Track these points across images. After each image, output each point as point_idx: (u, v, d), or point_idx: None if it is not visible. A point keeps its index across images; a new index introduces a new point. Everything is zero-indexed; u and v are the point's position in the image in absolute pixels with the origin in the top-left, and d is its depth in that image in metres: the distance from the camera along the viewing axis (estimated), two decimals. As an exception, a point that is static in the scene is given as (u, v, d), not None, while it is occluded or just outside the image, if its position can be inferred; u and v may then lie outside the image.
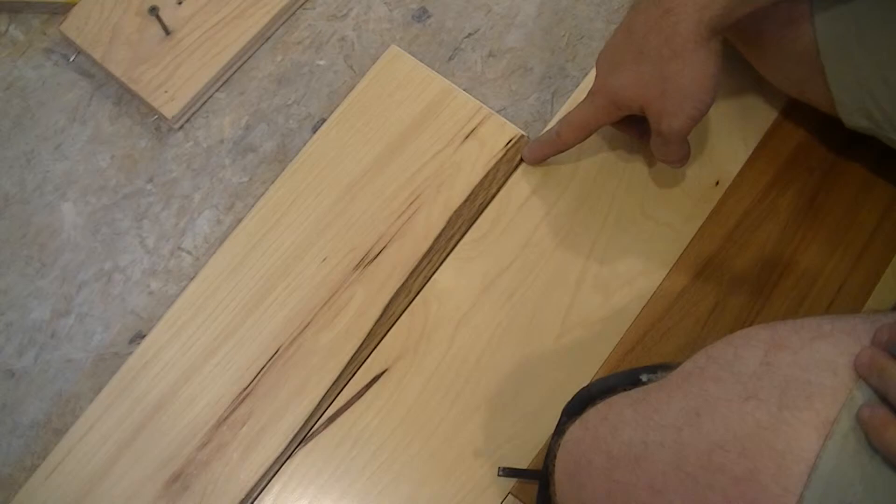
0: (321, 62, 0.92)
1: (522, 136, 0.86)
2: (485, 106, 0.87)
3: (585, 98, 0.78)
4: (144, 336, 0.81)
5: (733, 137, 0.86)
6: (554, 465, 0.63)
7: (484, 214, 0.84)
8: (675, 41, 0.69)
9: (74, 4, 0.91)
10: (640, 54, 0.71)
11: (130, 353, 0.80)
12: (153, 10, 0.87)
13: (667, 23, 0.69)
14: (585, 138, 0.80)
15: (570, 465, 0.62)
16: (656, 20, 0.70)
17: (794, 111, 0.86)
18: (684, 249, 0.83)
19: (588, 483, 0.59)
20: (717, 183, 0.84)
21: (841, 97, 0.74)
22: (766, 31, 0.76)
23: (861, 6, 0.70)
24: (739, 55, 0.82)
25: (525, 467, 0.75)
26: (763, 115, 0.87)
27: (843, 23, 0.71)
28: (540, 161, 0.85)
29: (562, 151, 0.83)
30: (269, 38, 0.93)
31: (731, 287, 0.81)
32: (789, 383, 0.53)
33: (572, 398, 0.70)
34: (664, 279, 0.82)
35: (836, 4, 0.71)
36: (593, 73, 0.82)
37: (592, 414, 0.62)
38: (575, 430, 0.63)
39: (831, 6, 0.71)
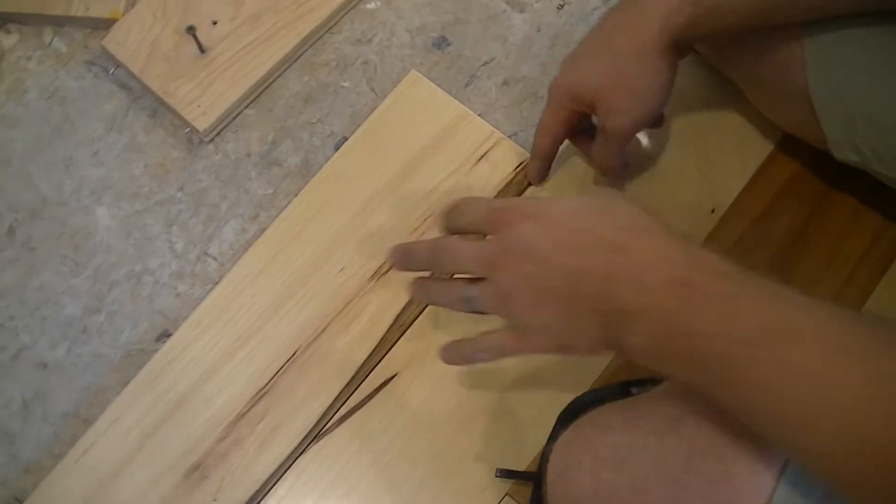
0: (345, 84, 0.97)
1: (532, 160, 0.90)
2: (497, 130, 0.91)
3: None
4: (170, 335, 0.85)
5: (730, 168, 0.90)
6: (547, 467, 0.67)
7: (493, 233, 0.88)
8: (638, 41, 0.73)
9: (116, 20, 0.96)
10: (605, 49, 0.76)
11: (156, 350, 0.85)
12: (190, 29, 0.92)
13: (636, 22, 0.73)
14: (556, 142, 0.84)
15: (561, 465, 0.64)
16: (628, 18, 0.74)
17: (788, 144, 0.89)
18: (681, 272, 0.87)
19: (577, 481, 0.62)
20: (713, 211, 0.88)
21: (831, 134, 0.77)
22: (762, 72, 0.80)
23: (848, 52, 0.74)
24: (739, 91, 0.87)
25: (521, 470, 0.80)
26: (759, 148, 0.91)
27: (832, 67, 0.74)
28: (539, 177, 0.88)
29: (545, 160, 0.86)
30: (297, 59, 0.97)
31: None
32: None
33: (566, 407, 0.75)
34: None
35: (827, 51, 0.75)
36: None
37: (584, 420, 0.66)
38: (567, 434, 0.66)
39: (822, 53, 0.75)
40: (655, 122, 0.87)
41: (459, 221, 0.64)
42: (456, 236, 0.65)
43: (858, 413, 0.45)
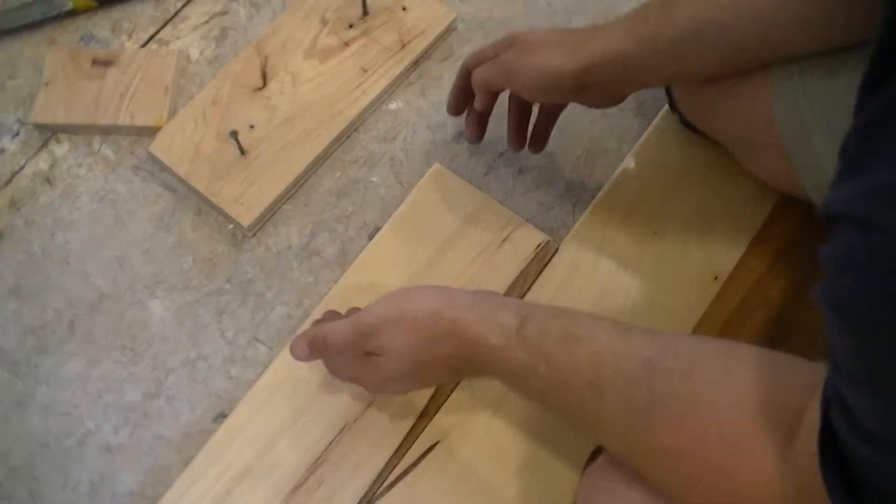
0: (374, 178, 1.05)
1: (549, 241, 0.98)
2: (516, 215, 1.00)
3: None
4: (226, 415, 0.92)
5: (729, 237, 0.99)
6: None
7: (519, 308, 0.97)
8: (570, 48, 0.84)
9: (160, 128, 1.04)
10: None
11: (214, 430, 0.91)
12: (233, 134, 0.99)
13: (590, 32, 0.84)
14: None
15: (587, 487, 0.75)
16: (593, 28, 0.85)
17: (782, 210, 0.98)
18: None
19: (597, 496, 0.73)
20: (716, 278, 0.97)
21: (810, 185, 0.83)
22: (749, 135, 0.88)
23: (816, 112, 0.79)
24: (732, 160, 0.94)
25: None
26: (755, 215, 1.00)
27: (802, 120, 0.80)
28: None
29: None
30: (329, 157, 1.06)
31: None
32: None
33: (591, 455, 0.84)
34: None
35: (796, 114, 0.81)
36: (610, 184, 1.00)
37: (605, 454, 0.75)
38: (593, 464, 0.76)
39: (792, 120, 0.81)
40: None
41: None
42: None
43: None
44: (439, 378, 0.83)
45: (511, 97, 0.96)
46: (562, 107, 0.97)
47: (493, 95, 0.93)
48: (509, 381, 0.75)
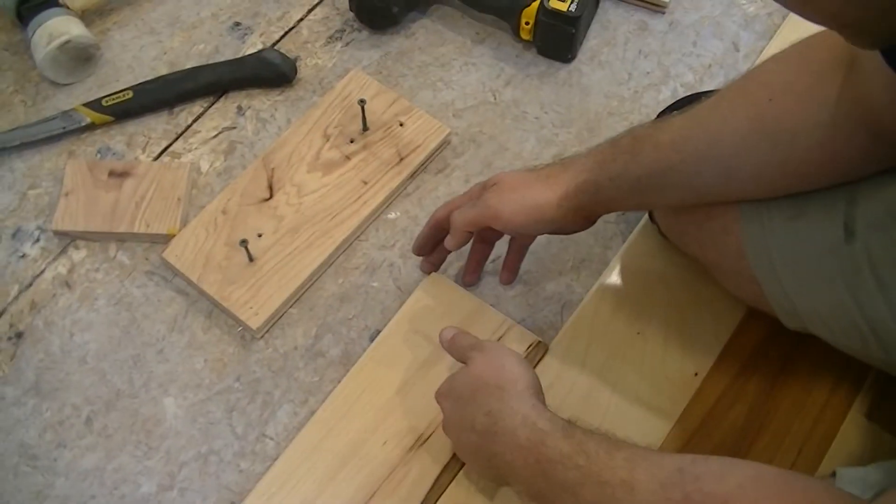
0: (374, 284, 1.12)
1: (540, 341, 1.04)
2: (508, 318, 1.06)
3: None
4: None
5: (708, 336, 1.06)
6: None
7: (512, 404, 1.02)
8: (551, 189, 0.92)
9: (173, 236, 1.11)
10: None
11: None
12: (243, 242, 1.06)
13: (562, 164, 0.95)
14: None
15: None
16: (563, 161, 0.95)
17: (755, 313, 1.03)
18: (672, 426, 1.01)
19: None
20: (696, 374, 1.03)
21: (778, 307, 0.89)
22: (721, 262, 0.95)
23: (784, 252, 0.86)
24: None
25: None
26: (730, 317, 1.07)
27: (770, 256, 0.87)
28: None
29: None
30: (332, 263, 1.12)
31: (713, 453, 0.99)
32: None
33: None
34: (659, 447, 1.00)
35: (764, 253, 0.87)
36: (596, 288, 1.07)
37: None
38: None
39: (761, 257, 0.87)
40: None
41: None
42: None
43: None
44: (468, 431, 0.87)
45: (476, 239, 1.05)
46: (532, 239, 1.06)
47: (469, 236, 1.00)
48: (536, 471, 0.78)
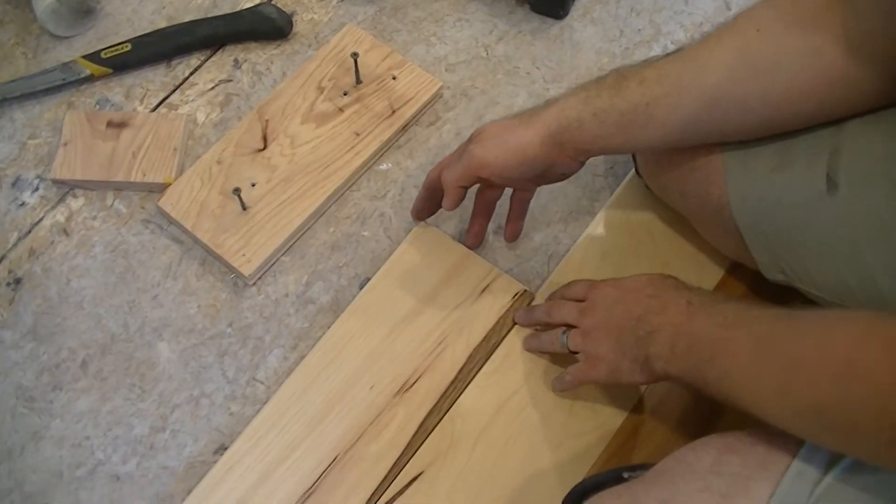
0: (365, 233, 1.14)
1: (525, 290, 1.07)
2: (496, 267, 1.08)
3: None
4: (227, 448, 0.99)
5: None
6: None
7: (497, 352, 1.03)
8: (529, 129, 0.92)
9: (169, 184, 1.13)
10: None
11: (215, 462, 0.97)
12: (236, 191, 1.08)
13: (546, 103, 0.93)
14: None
15: None
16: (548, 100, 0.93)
17: (737, 268, 1.07)
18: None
19: None
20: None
21: (760, 258, 0.91)
22: (704, 213, 0.96)
23: (761, 192, 0.87)
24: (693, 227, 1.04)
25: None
26: (712, 273, 1.09)
27: (753, 207, 0.88)
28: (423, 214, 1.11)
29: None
30: (323, 213, 1.14)
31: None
32: (733, 478, 0.71)
33: (569, 492, 0.89)
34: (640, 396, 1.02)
35: (745, 194, 0.89)
36: (582, 239, 1.08)
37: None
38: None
39: (744, 209, 0.89)
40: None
41: (567, 293, 0.99)
42: (563, 300, 0.98)
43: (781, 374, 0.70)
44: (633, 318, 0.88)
45: (478, 196, 1.06)
46: (531, 194, 1.06)
47: (463, 192, 0.98)
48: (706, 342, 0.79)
